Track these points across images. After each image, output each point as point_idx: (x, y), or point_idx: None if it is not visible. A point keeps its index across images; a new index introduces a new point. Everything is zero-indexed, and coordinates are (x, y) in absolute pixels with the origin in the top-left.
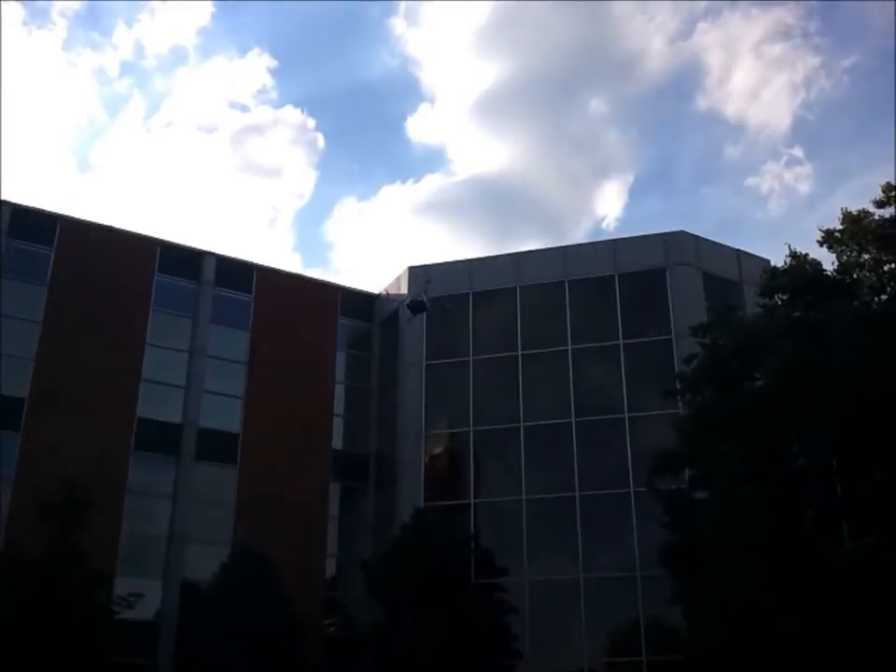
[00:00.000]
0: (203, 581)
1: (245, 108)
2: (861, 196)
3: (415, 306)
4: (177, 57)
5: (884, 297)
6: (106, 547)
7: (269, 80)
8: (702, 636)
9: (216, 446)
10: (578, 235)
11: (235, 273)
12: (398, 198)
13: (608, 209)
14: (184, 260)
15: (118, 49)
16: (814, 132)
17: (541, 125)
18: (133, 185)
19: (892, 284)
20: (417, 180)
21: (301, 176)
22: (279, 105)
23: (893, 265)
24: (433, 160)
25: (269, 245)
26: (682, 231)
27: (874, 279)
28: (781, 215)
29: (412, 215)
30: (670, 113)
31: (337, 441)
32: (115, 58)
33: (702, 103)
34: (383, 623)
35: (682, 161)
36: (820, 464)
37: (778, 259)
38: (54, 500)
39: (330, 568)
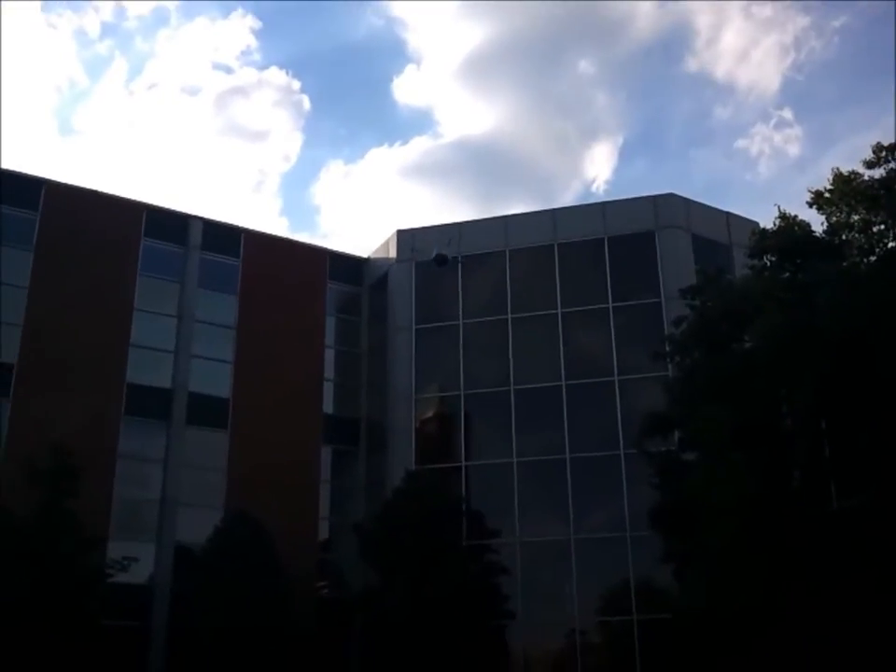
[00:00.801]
0: (197, 544)
1: (229, 70)
2: (850, 158)
3: (440, 259)
4: (159, 18)
5: (872, 258)
6: (99, 512)
7: (253, 42)
8: (690, 596)
9: (206, 411)
10: (567, 198)
11: (222, 236)
12: (385, 161)
13: (597, 172)
14: (171, 225)
15: (98, 10)
16: (803, 93)
17: (529, 87)
18: (117, 148)
19: (881, 245)
20: (405, 143)
21: (287, 139)
22: (263, 66)
23: (882, 226)
24: (420, 122)
25: (255, 209)
26: (672, 194)
27: (862, 240)
28: (771, 177)
29: (399, 177)
30: (659, 74)
31: (328, 406)
32: (95, 19)
33: (691, 64)
34: (375, 584)
35: (672, 123)
36: (808, 425)
37: (768, 222)
38: (45, 466)
39: (323, 532)
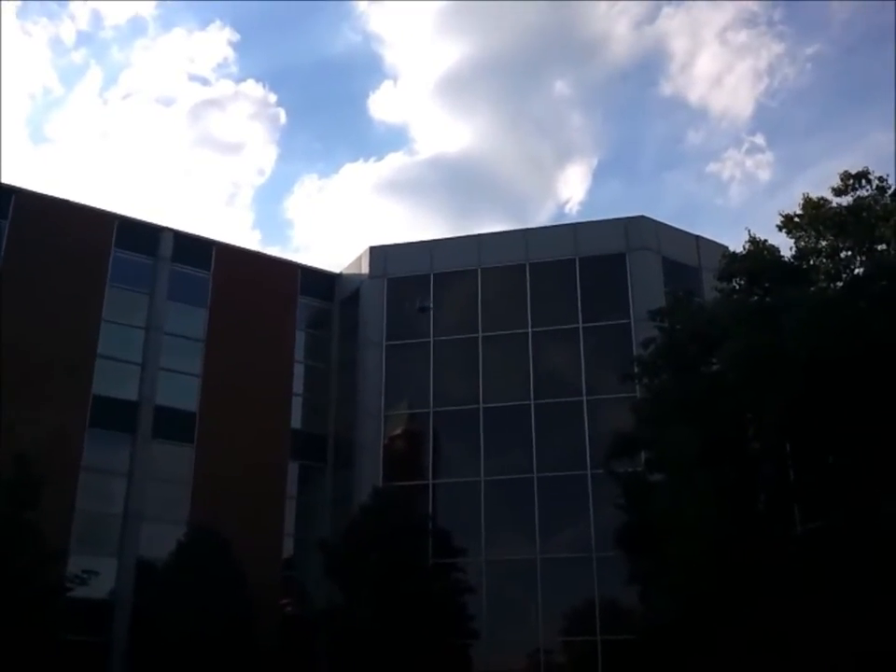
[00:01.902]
0: (159, 559)
1: (205, 82)
2: (821, 184)
3: (422, 309)
4: (136, 28)
5: (839, 284)
6: (60, 525)
7: (230, 54)
8: (655, 616)
9: (172, 424)
10: (541, 218)
11: (193, 249)
12: (359, 176)
13: (571, 193)
14: (141, 236)
15: (74, 18)
16: (776, 119)
17: (505, 106)
18: (90, 158)
19: (848, 271)
20: (379, 159)
21: (261, 152)
22: (240, 79)
23: (849, 252)
24: (396, 138)
25: (228, 222)
26: (643, 216)
27: (830, 266)
28: (741, 202)
29: (373, 193)
30: (634, 97)
31: (296, 421)
32: (71, 28)
33: (666, 88)
34: (340, 602)
35: (645, 145)
36: (774, 448)
37: (738, 246)
38: (6, 477)
39: (288, 548)
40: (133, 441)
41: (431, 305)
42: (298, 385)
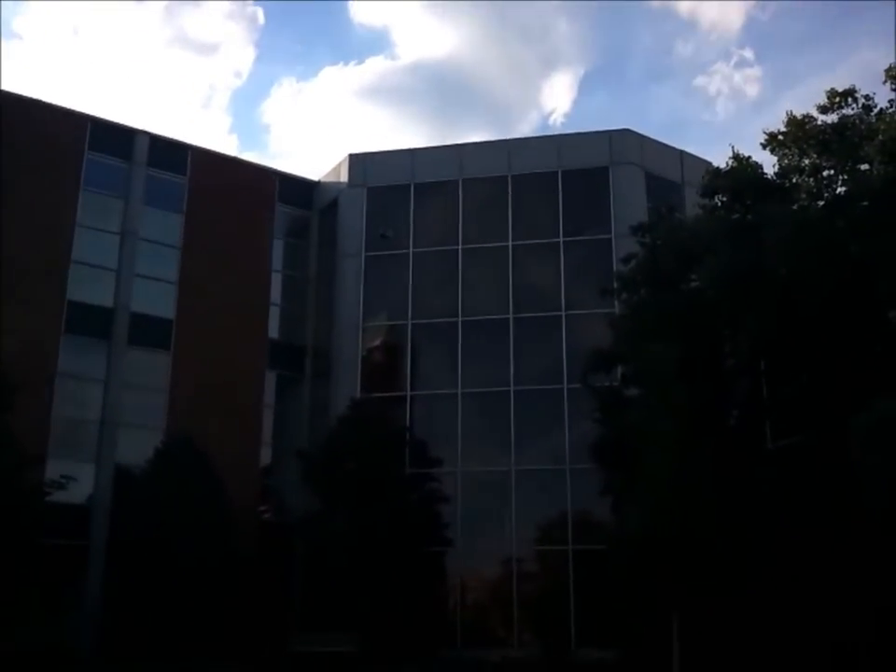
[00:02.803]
0: (137, 466)
1: None
2: (809, 100)
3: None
4: None
5: (820, 202)
6: (37, 431)
7: None
8: (625, 527)
9: (149, 331)
10: (524, 129)
11: (169, 153)
12: (339, 80)
13: (555, 103)
14: (116, 138)
15: None
16: (765, 33)
17: (489, 10)
18: (61, 56)
19: (829, 190)
20: (360, 62)
21: (238, 54)
22: None
23: (831, 171)
24: (377, 42)
25: (203, 126)
26: (627, 130)
27: (812, 184)
28: (728, 117)
29: (353, 98)
30: (622, 6)
31: (273, 331)
32: None
33: None
34: (317, 510)
35: (633, 56)
36: (749, 365)
37: (722, 163)
38: None
39: (265, 457)
40: (109, 348)
41: (391, 234)
42: (275, 295)
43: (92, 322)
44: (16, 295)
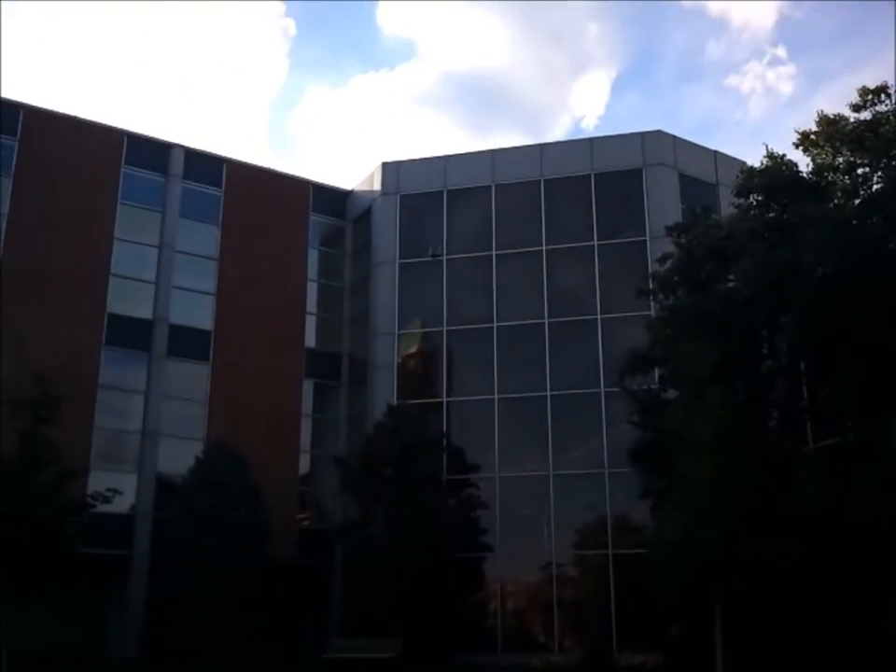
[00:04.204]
0: (178, 475)
1: None
2: (843, 97)
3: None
4: None
5: (856, 201)
6: (80, 442)
7: None
8: (665, 531)
9: (187, 343)
10: (557, 134)
11: (204, 166)
12: (370, 89)
13: (587, 107)
14: (151, 152)
15: None
16: (798, 31)
17: (519, 14)
18: (91, 70)
19: (865, 187)
20: (390, 70)
21: (272, 65)
22: None
23: (867, 169)
24: (406, 49)
25: (238, 137)
26: (660, 131)
27: (847, 182)
28: (761, 116)
29: (385, 106)
30: (652, 6)
31: (310, 340)
32: None
33: None
34: (355, 517)
35: (664, 57)
36: (788, 366)
37: (756, 162)
38: (24, 395)
39: (304, 465)
40: (149, 360)
41: (440, 252)
42: (311, 304)
43: (132, 334)
44: (57, 308)
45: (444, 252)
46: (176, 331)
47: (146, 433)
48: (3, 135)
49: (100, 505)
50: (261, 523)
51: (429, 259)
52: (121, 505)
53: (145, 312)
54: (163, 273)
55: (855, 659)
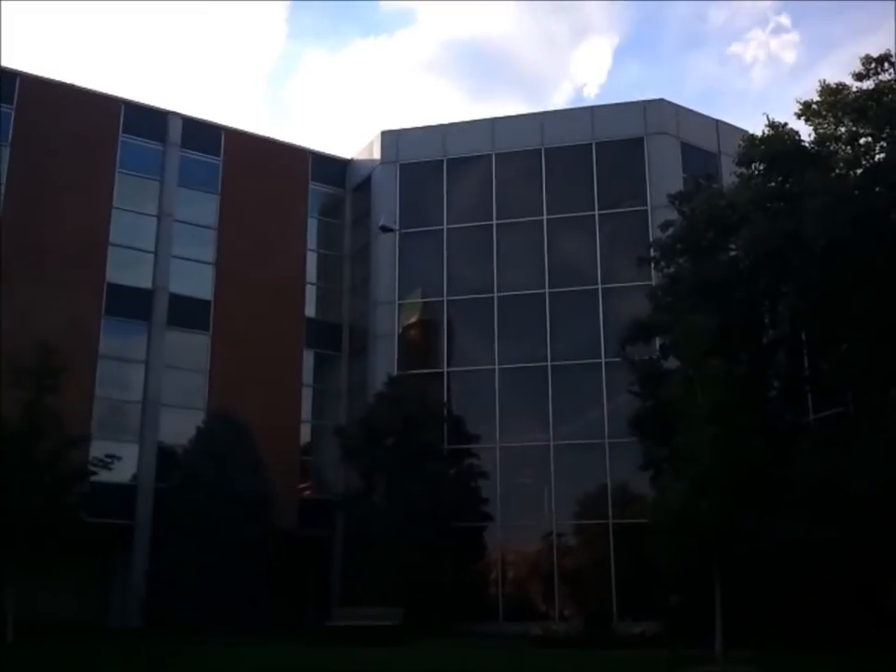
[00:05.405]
0: (179, 445)
1: None
2: (847, 66)
3: (385, 230)
4: None
5: (859, 171)
6: (81, 412)
7: None
8: (664, 501)
9: (187, 312)
10: (557, 102)
11: (202, 134)
12: (369, 56)
13: (590, 75)
14: (149, 121)
15: None
16: None
17: None
18: (89, 38)
19: (867, 157)
20: (390, 36)
21: (269, 32)
22: None
23: (869, 139)
24: (405, 16)
25: (237, 107)
26: (662, 100)
27: (850, 152)
28: (764, 84)
29: (385, 74)
30: None
31: (310, 309)
32: None
33: None
34: (356, 486)
35: (667, 24)
36: (789, 335)
37: (758, 131)
38: (27, 365)
39: (305, 435)
40: (149, 329)
41: (396, 227)
42: (311, 274)
43: (132, 304)
44: (57, 279)
45: (398, 226)
46: (176, 301)
47: (146, 403)
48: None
49: (101, 473)
50: (263, 493)
51: (424, 226)
52: (123, 474)
53: (144, 281)
54: (162, 242)
55: (856, 629)
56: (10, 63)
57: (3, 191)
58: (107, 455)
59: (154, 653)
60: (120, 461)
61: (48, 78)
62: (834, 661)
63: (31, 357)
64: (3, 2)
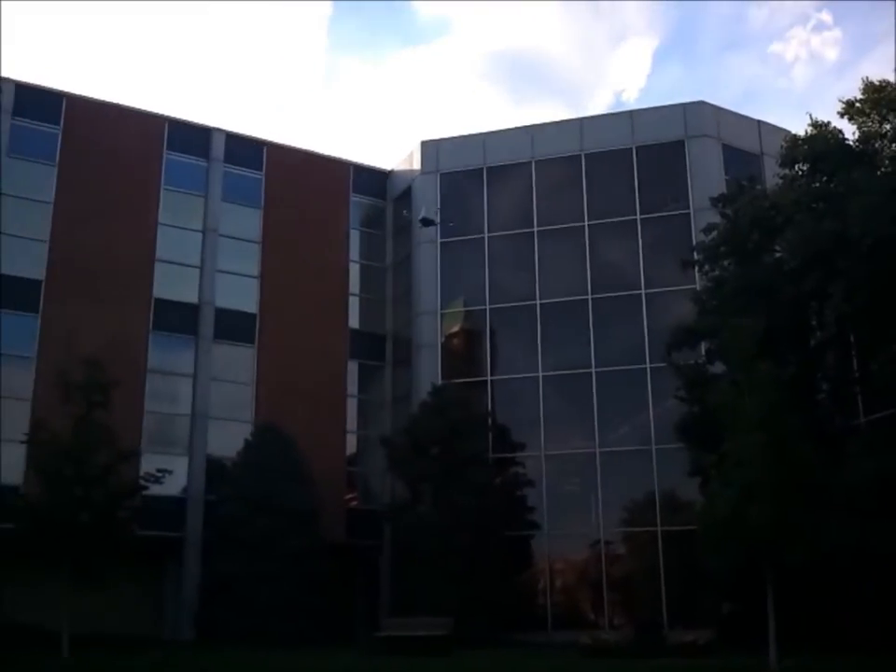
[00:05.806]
0: (228, 458)
1: None
2: (890, 63)
3: (426, 223)
4: None
5: None
6: (130, 426)
7: None
8: (713, 508)
9: (233, 326)
10: (597, 107)
11: (245, 149)
12: (408, 66)
13: (628, 79)
14: (193, 137)
15: None
16: None
17: None
18: (130, 57)
19: None
20: (428, 46)
21: (310, 45)
22: None
23: None
24: (443, 25)
25: (278, 120)
26: (702, 102)
27: (894, 149)
28: (806, 83)
29: (423, 83)
30: None
31: (353, 321)
32: None
33: None
34: (402, 496)
35: (705, 25)
36: (837, 337)
37: (800, 131)
38: (76, 381)
39: (350, 445)
40: (196, 343)
41: (437, 220)
42: (354, 285)
43: (179, 318)
44: (106, 295)
45: (439, 219)
46: (222, 315)
47: (195, 416)
48: (46, 124)
49: (152, 486)
50: (311, 504)
51: (465, 235)
52: (173, 487)
53: (191, 296)
54: (208, 257)
55: None
56: (56, 84)
57: (52, 210)
58: (159, 469)
59: (212, 663)
60: (171, 474)
61: (93, 98)
62: (892, 667)
63: (81, 373)
64: (47, 25)
